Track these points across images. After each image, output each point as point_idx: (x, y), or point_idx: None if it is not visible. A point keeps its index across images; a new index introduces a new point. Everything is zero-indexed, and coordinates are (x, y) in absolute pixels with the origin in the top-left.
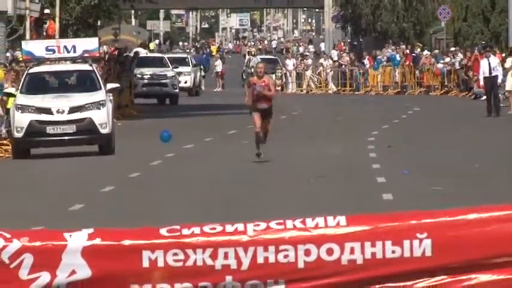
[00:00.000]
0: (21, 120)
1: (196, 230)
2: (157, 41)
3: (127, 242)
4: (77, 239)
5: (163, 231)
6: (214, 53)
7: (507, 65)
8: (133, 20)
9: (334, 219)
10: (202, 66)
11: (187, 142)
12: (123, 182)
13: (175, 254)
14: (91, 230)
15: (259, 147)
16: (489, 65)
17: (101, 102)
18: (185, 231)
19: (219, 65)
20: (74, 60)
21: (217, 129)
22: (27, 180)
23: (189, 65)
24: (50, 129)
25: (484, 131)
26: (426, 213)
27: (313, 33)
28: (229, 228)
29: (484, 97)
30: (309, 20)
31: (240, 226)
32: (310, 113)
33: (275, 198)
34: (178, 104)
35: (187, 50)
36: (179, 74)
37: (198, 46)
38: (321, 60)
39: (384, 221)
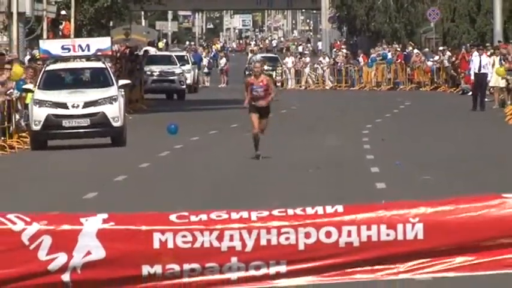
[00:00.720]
0: (39, 114)
1: (204, 217)
2: (165, 40)
3: (138, 226)
4: (92, 222)
5: (172, 217)
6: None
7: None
8: (143, 21)
9: (332, 208)
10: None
11: (193, 135)
12: (134, 171)
13: (184, 236)
14: (105, 215)
15: (257, 149)
16: (480, 62)
17: (113, 98)
18: (193, 218)
19: (223, 63)
20: (88, 58)
21: (222, 123)
22: (44, 170)
23: (189, 63)
24: (65, 123)
25: (470, 124)
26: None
27: (311, 33)
28: (234, 215)
29: (471, 92)
30: (307, 21)
31: (245, 214)
32: (308, 107)
33: (275, 186)
34: (185, 99)
35: (194, 49)
36: None
37: (205, 45)
38: (320, 59)
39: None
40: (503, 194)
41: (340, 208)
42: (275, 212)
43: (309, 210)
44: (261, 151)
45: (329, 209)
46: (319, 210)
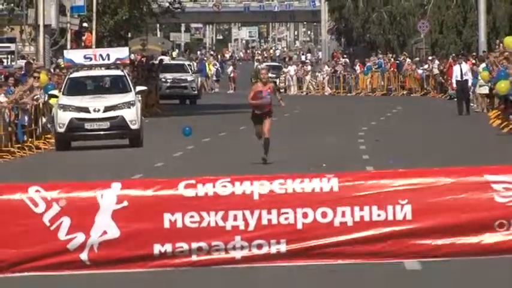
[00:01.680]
0: (63, 118)
1: (209, 186)
2: (177, 50)
3: (150, 205)
4: (108, 204)
5: (181, 185)
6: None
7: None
8: (158, 32)
9: (329, 182)
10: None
11: (205, 136)
12: (150, 170)
13: (191, 217)
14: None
15: (267, 153)
16: (461, 70)
17: (131, 102)
18: (200, 186)
19: (230, 71)
20: (108, 66)
21: (230, 125)
22: (68, 168)
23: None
24: (87, 125)
25: (458, 126)
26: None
27: (312, 44)
28: (238, 188)
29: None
30: (308, 32)
31: (248, 188)
32: (309, 111)
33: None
34: (196, 103)
35: (205, 58)
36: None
37: (215, 55)
38: (325, 67)
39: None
40: (485, 175)
41: (335, 186)
42: (275, 189)
43: (307, 188)
44: (268, 156)
45: (325, 186)
46: (316, 187)
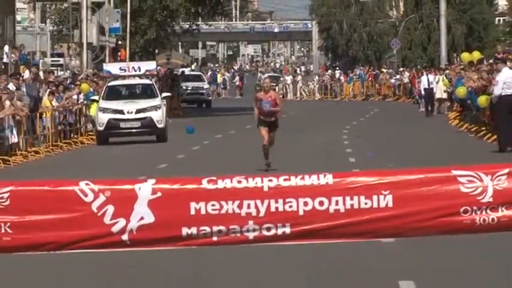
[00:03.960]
0: (103, 118)
1: (227, 181)
2: (195, 64)
3: (179, 196)
4: (145, 195)
5: (204, 181)
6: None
7: (439, 80)
8: (180, 49)
9: (325, 177)
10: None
11: (217, 133)
12: (173, 161)
13: (213, 205)
14: (155, 185)
15: (267, 158)
16: (428, 80)
17: (158, 106)
18: (220, 181)
19: (237, 80)
20: (139, 76)
21: (239, 125)
22: (106, 159)
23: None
24: (122, 125)
25: (424, 125)
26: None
27: (305, 58)
28: (251, 183)
29: (422, 103)
30: (302, 49)
31: (259, 182)
32: (302, 113)
33: (278, 170)
34: (211, 107)
35: (217, 70)
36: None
37: (226, 67)
38: (316, 77)
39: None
40: (452, 170)
41: (330, 180)
42: (281, 183)
43: (307, 181)
44: (270, 160)
45: (322, 181)
46: (315, 182)
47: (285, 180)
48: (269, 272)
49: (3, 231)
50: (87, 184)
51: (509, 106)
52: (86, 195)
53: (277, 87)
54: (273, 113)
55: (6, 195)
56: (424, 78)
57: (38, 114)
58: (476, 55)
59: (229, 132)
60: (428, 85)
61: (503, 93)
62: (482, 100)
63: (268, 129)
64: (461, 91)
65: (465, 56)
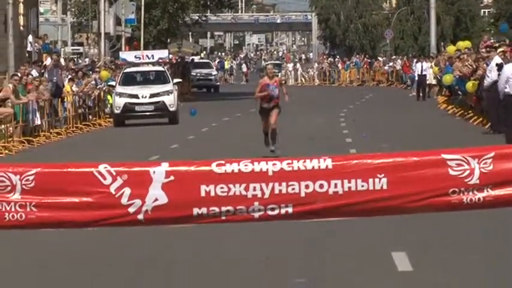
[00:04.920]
0: (119, 102)
1: (235, 165)
2: (204, 52)
3: (190, 179)
4: (159, 177)
5: (213, 165)
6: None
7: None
8: (190, 38)
9: (325, 161)
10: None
11: (224, 116)
12: (184, 141)
13: (221, 187)
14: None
15: (268, 144)
16: (422, 67)
17: (170, 91)
18: (228, 165)
19: (244, 67)
20: (152, 64)
21: (244, 108)
22: (123, 140)
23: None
24: (137, 108)
25: (415, 108)
26: (384, 157)
27: (306, 47)
28: (257, 167)
29: (414, 88)
30: (302, 38)
31: (264, 167)
32: (303, 97)
33: (282, 151)
34: (219, 92)
35: (224, 58)
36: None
37: (233, 55)
38: (315, 65)
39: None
40: (442, 154)
41: (329, 164)
42: (284, 167)
43: (308, 164)
44: (276, 146)
45: (322, 165)
46: (315, 165)
47: (287, 164)
48: (270, 244)
49: (28, 209)
50: (105, 168)
51: None
52: (104, 179)
53: (279, 74)
54: (276, 99)
55: (31, 177)
56: (418, 66)
57: (59, 99)
58: (464, 44)
59: (235, 115)
60: (421, 72)
61: (510, 92)
62: (469, 86)
63: (270, 113)
64: (447, 78)
65: (451, 48)
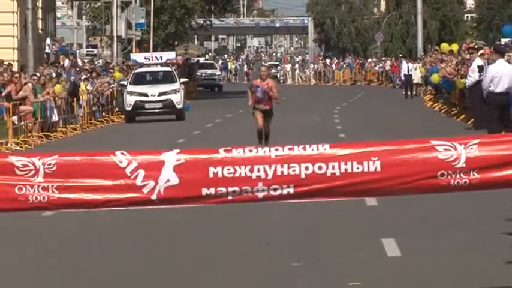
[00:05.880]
0: (130, 100)
1: (241, 150)
2: (209, 54)
3: (199, 161)
4: (170, 160)
5: (221, 150)
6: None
7: (417, 68)
8: (196, 41)
9: (323, 146)
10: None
11: (228, 113)
12: (190, 136)
13: (228, 169)
14: (179, 154)
15: (261, 142)
16: (408, 67)
17: (177, 89)
18: (234, 151)
19: (245, 68)
20: (161, 64)
21: (246, 106)
22: (134, 135)
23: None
24: (147, 106)
25: (403, 105)
26: (377, 145)
27: (302, 49)
28: (260, 152)
29: (402, 87)
30: (299, 41)
31: (267, 151)
32: (298, 96)
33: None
34: (222, 90)
35: (228, 59)
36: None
37: (235, 57)
38: (311, 65)
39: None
40: (431, 141)
41: (327, 148)
42: (286, 151)
43: (308, 149)
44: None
45: (321, 149)
46: (314, 149)
47: (289, 149)
48: (267, 224)
49: (50, 191)
50: (122, 154)
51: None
52: (120, 162)
53: (278, 74)
54: (267, 101)
55: (53, 162)
56: (404, 66)
57: (75, 97)
58: (453, 46)
59: (238, 112)
60: (408, 72)
61: (494, 91)
62: (460, 83)
63: (263, 118)
64: (435, 77)
65: (444, 46)
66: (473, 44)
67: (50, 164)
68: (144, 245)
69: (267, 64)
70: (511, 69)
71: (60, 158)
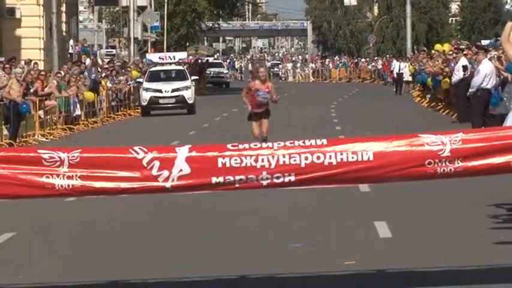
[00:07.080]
0: (146, 96)
1: (246, 145)
2: (218, 54)
3: (209, 153)
4: (183, 152)
5: (229, 146)
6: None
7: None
8: (205, 42)
9: (320, 141)
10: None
11: (234, 108)
12: (200, 129)
13: (235, 160)
14: (190, 147)
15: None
16: (399, 66)
17: (188, 86)
18: (241, 145)
19: (249, 67)
20: (174, 63)
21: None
22: (148, 127)
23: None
24: (161, 101)
25: (394, 101)
26: (371, 138)
27: (302, 50)
28: (264, 145)
29: (393, 84)
30: (299, 42)
31: (270, 144)
32: (300, 92)
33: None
34: (230, 87)
35: (235, 59)
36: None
37: (241, 57)
38: (310, 65)
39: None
40: (419, 134)
41: (325, 142)
42: (287, 144)
43: (307, 143)
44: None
45: (318, 143)
46: (313, 143)
47: (290, 143)
48: (267, 208)
49: (74, 180)
50: (140, 148)
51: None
52: (138, 154)
53: (280, 72)
54: (267, 104)
55: (77, 154)
56: (396, 65)
57: (96, 93)
58: (445, 46)
59: (243, 107)
60: (399, 70)
61: (485, 87)
62: (446, 83)
63: (261, 119)
64: (410, 68)
65: (438, 46)
66: (460, 44)
67: (74, 156)
68: (156, 221)
69: (265, 64)
70: (494, 68)
71: (83, 151)
